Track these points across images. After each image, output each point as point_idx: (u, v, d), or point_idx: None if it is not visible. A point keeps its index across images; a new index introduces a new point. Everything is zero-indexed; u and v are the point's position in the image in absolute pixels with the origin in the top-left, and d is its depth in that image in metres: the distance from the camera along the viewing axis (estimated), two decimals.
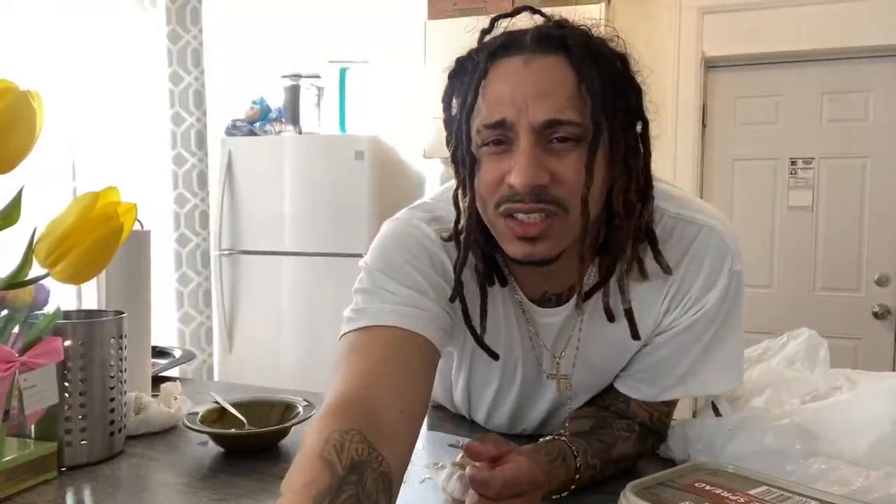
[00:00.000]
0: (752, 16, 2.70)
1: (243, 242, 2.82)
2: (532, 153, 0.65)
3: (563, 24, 0.69)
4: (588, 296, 0.75)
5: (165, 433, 0.96)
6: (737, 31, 2.73)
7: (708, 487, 0.65)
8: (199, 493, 0.76)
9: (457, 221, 0.76)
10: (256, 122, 2.90)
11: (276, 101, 2.95)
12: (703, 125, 2.83)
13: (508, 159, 0.67)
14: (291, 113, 2.91)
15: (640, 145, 0.71)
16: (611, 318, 0.75)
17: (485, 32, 0.73)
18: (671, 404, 0.85)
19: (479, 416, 0.99)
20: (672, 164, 2.74)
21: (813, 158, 2.74)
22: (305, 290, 2.74)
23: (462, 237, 0.74)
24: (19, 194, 0.71)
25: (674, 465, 0.74)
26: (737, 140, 2.84)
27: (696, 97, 2.77)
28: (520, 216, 0.67)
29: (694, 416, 0.90)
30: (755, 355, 1.00)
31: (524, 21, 0.72)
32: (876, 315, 2.65)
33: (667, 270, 0.74)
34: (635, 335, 0.75)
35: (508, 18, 0.73)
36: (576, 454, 0.74)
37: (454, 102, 0.73)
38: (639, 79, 0.70)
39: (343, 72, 2.90)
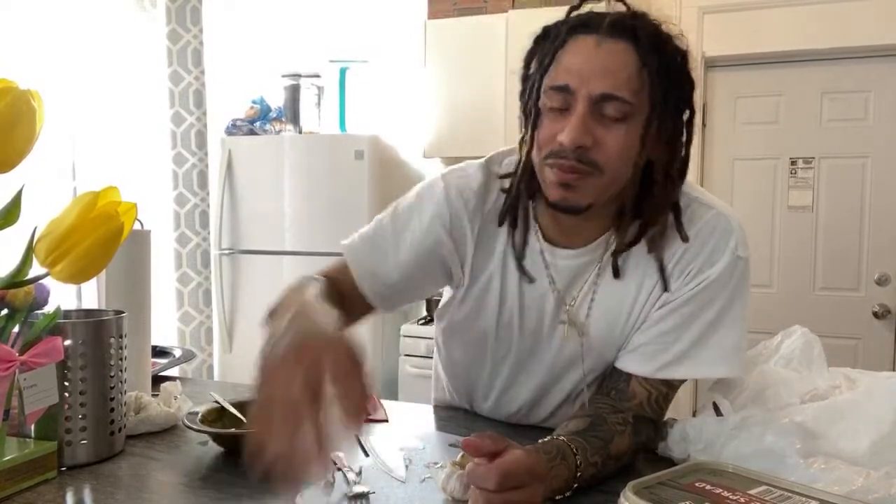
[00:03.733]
0: (752, 16, 2.70)
1: (243, 242, 2.82)
2: (583, 118, 0.76)
3: (637, 15, 0.80)
4: (616, 254, 0.86)
5: (165, 433, 0.96)
6: (737, 30, 2.72)
7: (708, 487, 0.65)
8: (199, 492, 0.76)
9: (519, 161, 0.87)
10: (256, 121, 2.90)
11: (276, 100, 2.96)
12: (703, 125, 2.83)
13: (564, 121, 0.77)
14: (291, 112, 2.91)
15: (685, 131, 0.83)
16: (616, 273, 0.86)
17: (573, 9, 0.84)
18: (670, 387, 0.86)
19: (485, 395, 1.02)
20: None
21: (813, 158, 2.74)
22: None
23: (519, 171, 0.86)
24: (19, 194, 0.71)
25: (674, 465, 0.74)
26: (737, 140, 2.83)
27: (696, 97, 2.76)
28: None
29: (694, 415, 0.90)
30: (750, 356, 1.00)
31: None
32: (876, 315, 2.65)
33: (685, 239, 0.84)
34: (666, 286, 0.84)
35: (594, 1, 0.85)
36: (575, 452, 0.74)
37: (533, 63, 0.84)
38: (694, 75, 0.83)
39: (343, 72, 2.90)
